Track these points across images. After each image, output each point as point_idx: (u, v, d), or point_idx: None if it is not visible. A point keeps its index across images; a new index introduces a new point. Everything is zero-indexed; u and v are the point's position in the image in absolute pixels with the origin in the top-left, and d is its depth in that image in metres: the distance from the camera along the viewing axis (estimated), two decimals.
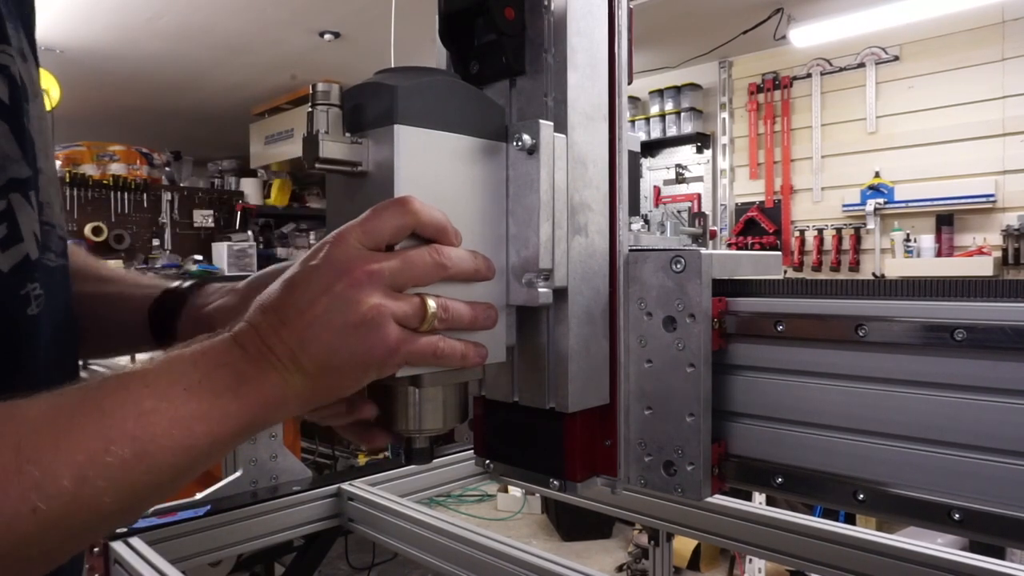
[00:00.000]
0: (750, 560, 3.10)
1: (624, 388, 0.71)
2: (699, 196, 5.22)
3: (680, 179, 5.35)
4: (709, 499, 0.71)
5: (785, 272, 4.68)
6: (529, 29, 0.67)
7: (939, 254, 4.14)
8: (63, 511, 0.39)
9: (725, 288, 0.69)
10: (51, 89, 4.90)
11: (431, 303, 0.53)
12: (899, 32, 4.20)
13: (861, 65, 4.45)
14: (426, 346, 0.53)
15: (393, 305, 0.50)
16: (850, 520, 2.36)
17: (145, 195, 6.12)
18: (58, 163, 5.69)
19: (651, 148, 5.39)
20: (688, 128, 5.20)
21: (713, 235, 4.84)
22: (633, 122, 5.37)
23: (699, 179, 5.27)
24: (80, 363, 0.69)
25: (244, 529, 1.34)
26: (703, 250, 0.66)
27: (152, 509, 1.37)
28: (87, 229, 5.72)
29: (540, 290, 0.62)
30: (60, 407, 0.42)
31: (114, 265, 5.62)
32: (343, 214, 0.59)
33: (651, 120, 5.39)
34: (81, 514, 0.41)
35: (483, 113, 0.62)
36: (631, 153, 0.73)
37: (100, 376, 0.45)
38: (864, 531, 1.14)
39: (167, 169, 6.55)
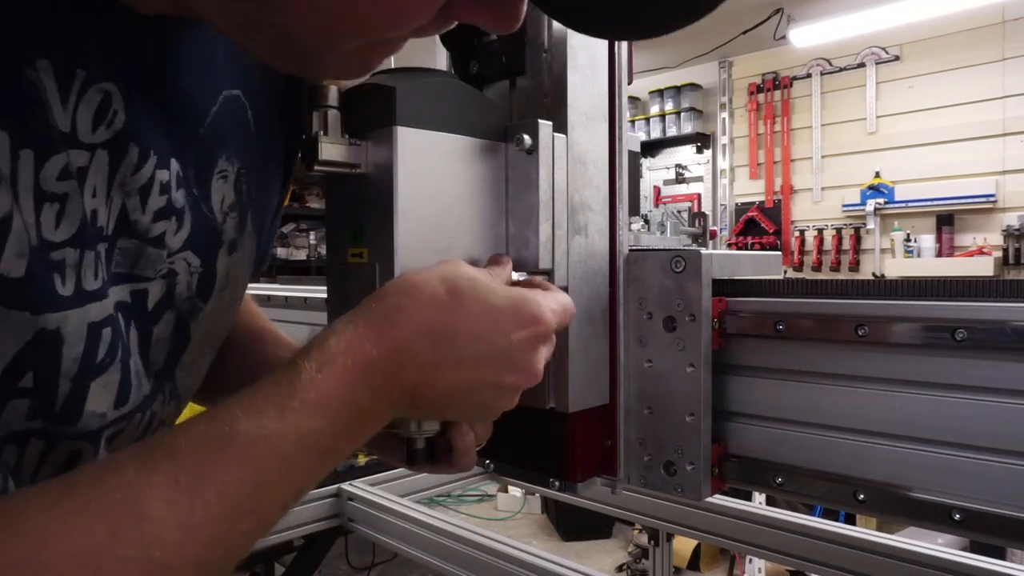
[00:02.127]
0: (750, 560, 3.10)
1: (624, 388, 0.71)
2: (699, 196, 5.22)
3: (680, 179, 5.35)
4: (709, 499, 0.71)
5: (785, 272, 4.68)
6: (529, 29, 0.67)
7: (939, 254, 4.14)
8: None
9: (725, 288, 0.69)
10: None
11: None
12: (899, 32, 4.20)
13: (861, 65, 4.45)
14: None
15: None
16: (850, 520, 2.36)
17: None
18: None
19: (651, 148, 5.39)
20: (688, 128, 5.20)
21: (713, 235, 4.84)
22: (633, 122, 5.37)
23: (699, 179, 5.28)
24: None
25: None
26: (703, 250, 0.66)
27: None
28: None
29: None
30: (184, 495, 0.38)
31: None
32: (343, 215, 0.59)
33: (651, 120, 5.39)
34: None
35: (482, 113, 0.62)
36: (631, 153, 0.73)
37: (209, 428, 0.41)
38: (864, 531, 1.15)
39: None
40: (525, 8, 0.45)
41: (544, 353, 0.52)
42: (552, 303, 0.53)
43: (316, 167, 0.54)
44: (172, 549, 0.36)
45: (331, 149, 0.54)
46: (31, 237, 0.40)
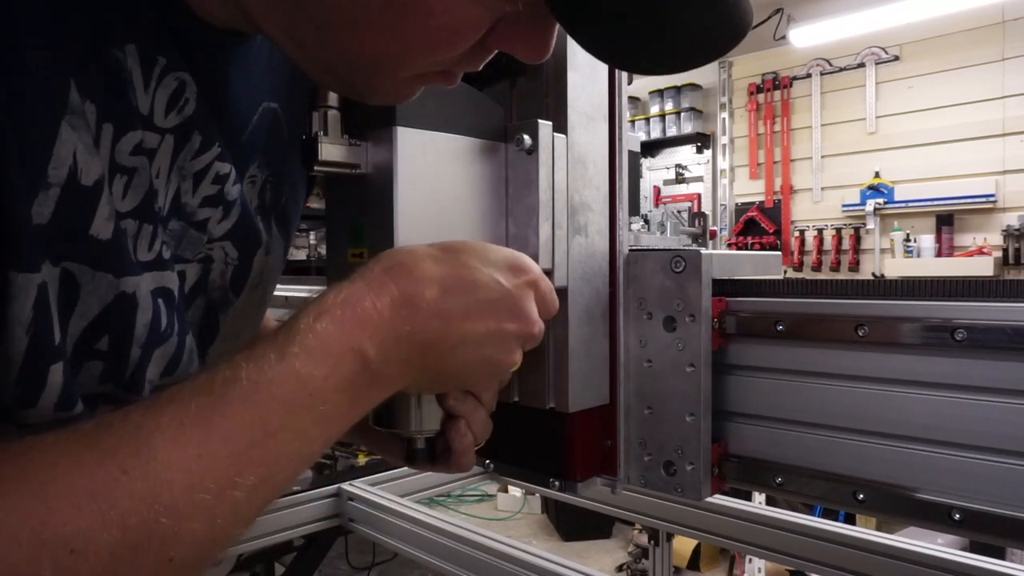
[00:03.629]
0: (750, 560, 3.10)
1: (624, 388, 0.71)
2: (699, 196, 5.22)
3: (680, 179, 5.35)
4: (709, 499, 0.71)
5: (785, 272, 4.68)
6: None
7: (939, 254, 4.13)
8: (195, 555, 0.37)
9: (725, 288, 0.69)
10: None
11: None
12: (899, 32, 4.20)
13: (861, 65, 4.45)
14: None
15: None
16: (850, 520, 2.36)
17: None
18: None
19: (651, 148, 5.39)
20: (688, 128, 5.20)
21: (713, 235, 4.84)
22: (633, 122, 5.37)
23: (699, 179, 5.27)
24: None
25: None
26: (703, 250, 0.66)
27: None
28: None
29: None
30: (189, 437, 0.37)
31: None
32: (343, 216, 0.60)
33: (651, 120, 5.39)
34: (211, 551, 0.39)
35: (482, 113, 0.62)
36: (631, 153, 0.73)
37: (213, 376, 0.40)
38: (864, 531, 1.15)
39: None
40: (555, 40, 0.47)
41: (534, 305, 0.53)
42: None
43: (316, 167, 0.54)
44: (180, 492, 0.36)
45: (331, 149, 0.54)
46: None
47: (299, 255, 7.11)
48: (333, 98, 0.55)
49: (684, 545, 3.47)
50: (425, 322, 0.46)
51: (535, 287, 0.53)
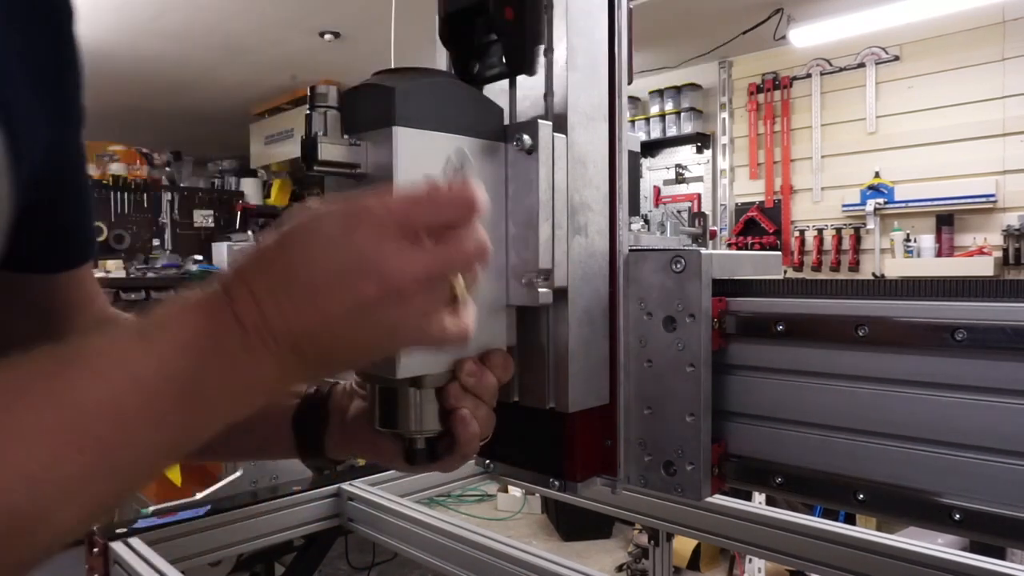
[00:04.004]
0: (750, 560, 3.10)
1: (624, 388, 0.71)
2: (699, 196, 5.22)
3: (680, 179, 5.35)
4: (709, 499, 0.71)
5: (785, 272, 4.68)
6: (529, 29, 0.67)
7: (939, 254, 4.13)
8: (10, 529, 0.33)
9: (725, 288, 0.69)
10: None
11: (460, 290, 0.47)
12: (899, 32, 4.20)
13: (861, 65, 4.45)
14: (437, 332, 0.46)
15: (432, 311, 0.44)
16: (850, 520, 2.36)
17: (145, 195, 6.13)
18: None
19: (651, 148, 5.39)
20: (688, 128, 5.20)
21: (713, 235, 4.84)
22: (633, 122, 5.37)
23: (699, 179, 5.27)
24: None
25: (244, 529, 1.34)
26: (703, 250, 0.66)
27: (152, 508, 1.37)
28: None
29: (540, 290, 0.62)
30: (16, 390, 0.34)
31: (113, 265, 5.53)
32: None
33: (651, 120, 5.38)
34: (36, 532, 0.34)
35: (482, 114, 0.62)
36: (631, 153, 0.73)
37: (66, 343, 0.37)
38: (864, 531, 1.14)
39: (167, 169, 6.55)
40: None
41: (391, 248, 0.42)
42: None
43: (316, 167, 0.54)
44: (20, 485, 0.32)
45: (330, 150, 0.54)
46: None
47: None
48: (333, 98, 0.55)
49: (684, 545, 3.47)
50: (277, 305, 0.41)
51: (379, 226, 0.42)
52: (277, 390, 0.44)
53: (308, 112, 0.55)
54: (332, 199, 0.45)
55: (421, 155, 0.56)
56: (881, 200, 4.33)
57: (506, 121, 0.65)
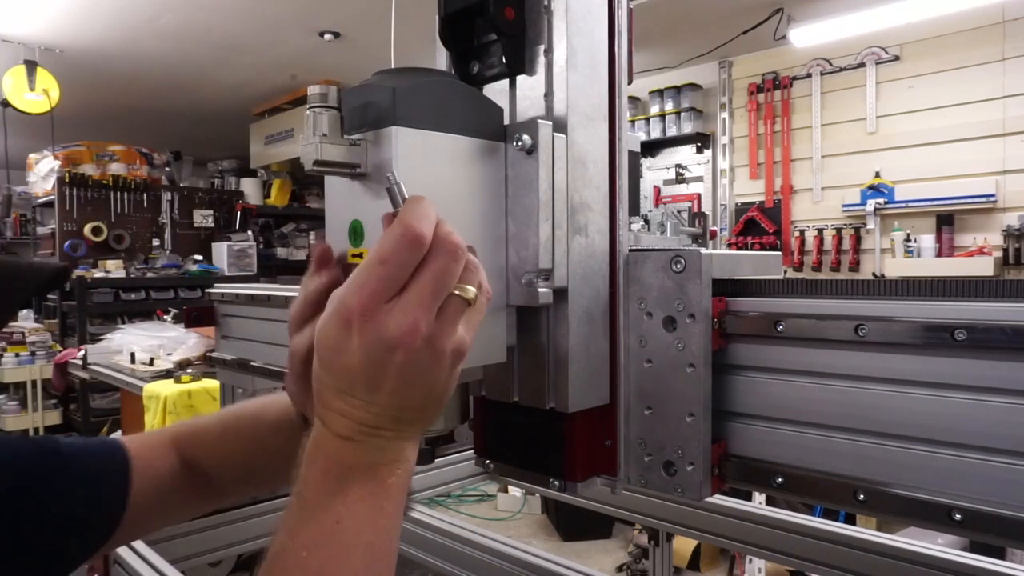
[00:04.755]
0: (750, 560, 3.10)
1: (624, 388, 0.71)
2: (699, 196, 5.22)
3: (680, 179, 5.35)
4: (709, 499, 0.71)
5: (785, 272, 4.68)
6: (529, 29, 0.67)
7: (939, 254, 4.13)
8: None
9: (725, 288, 0.69)
10: (51, 89, 4.90)
11: (472, 293, 0.51)
12: (899, 32, 4.20)
13: (861, 65, 4.45)
14: (470, 339, 0.52)
15: (451, 331, 0.50)
16: (850, 520, 2.36)
17: (145, 195, 6.13)
18: (58, 163, 5.69)
19: (651, 148, 5.39)
20: (688, 128, 5.20)
21: (713, 235, 4.84)
22: (633, 122, 5.37)
23: (699, 179, 5.27)
24: None
25: (244, 529, 1.34)
26: (703, 250, 0.66)
27: None
28: (87, 229, 5.72)
29: (540, 290, 0.62)
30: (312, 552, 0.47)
31: (113, 265, 5.52)
32: (342, 215, 0.59)
33: (651, 120, 5.39)
34: None
35: (481, 113, 0.62)
36: (631, 153, 0.73)
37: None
38: (864, 531, 1.14)
39: (167, 169, 6.55)
40: None
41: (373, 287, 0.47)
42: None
43: (315, 167, 0.54)
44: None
45: (330, 150, 0.54)
46: None
47: (299, 255, 7.12)
48: (332, 98, 0.55)
49: (684, 545, 3.47)
50: (369, 405, 0.49)
51: (375, 314, 0.48)
52: (414, 447, 0.52)
53: (308, 112, 0.55)
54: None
55: (421, 154, 0.56)
56: (881, 200, 4.33)
57: (506, 121, 0.65)
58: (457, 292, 0.49)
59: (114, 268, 5.63)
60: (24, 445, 0.67)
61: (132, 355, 3.15)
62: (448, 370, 0.50)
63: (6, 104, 4.87)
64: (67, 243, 5.66)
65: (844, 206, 4.52)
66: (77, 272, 5.39)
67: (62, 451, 0.68)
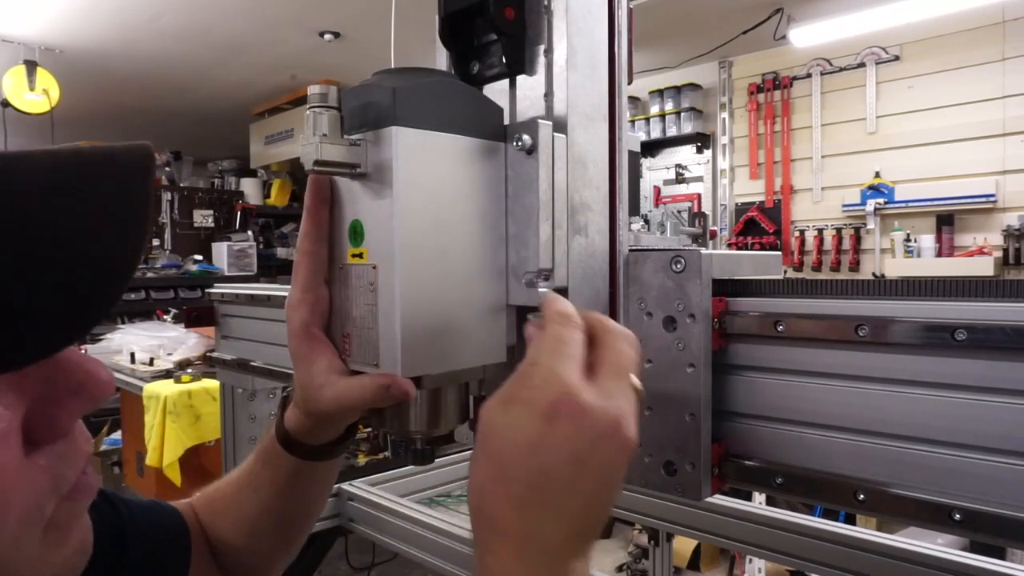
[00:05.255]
0: (750, 560, 3.10)
1: None
2: (699, 196, 5.22)
3: (680, 179, 5.35)
4: (709, 499, 0.71)
5: (785, 272, 4.68)
6: (529, 29, 0.67)
7: (939, 254, 4.13)
8: None
9: (725, 288, 0.69)
10: (51, 89, 4.90)
11: (639, 384, 0.47)
12: (899, 32, 4.20)
13: (861, 65, 4.45)
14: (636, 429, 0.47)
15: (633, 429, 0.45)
16: (850, 520, 2.36)
17: None
18: None
19: (651, 148, 5.39)
20: (688, 128, 5.20)
21: (713, 235, 4.84)
22: (633, 122, 5.37)
23: (699, 179, 5.27)
24: None
25: None
26: (703, 250, 0.66)
27: None
28: None
29: (540, 290, 0.62)
30: None
31: None
32: (342, 215, 0.59)
33: (651, 120, 5.39)
34: None
35: (481, 113, 0.62)
36: (631, 153, 0.73)
37: None
38: (864, 531, 1.14)
39: (167, 169, 6.56)
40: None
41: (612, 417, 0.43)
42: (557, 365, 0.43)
43: (315, 167, 0.54)
44: None
45: (330, 150, 0.54)
46: None
47: None
48: (332, 98, 0.55)
49: (684, 545, 3.47)
50: (556, 522, 0.42)
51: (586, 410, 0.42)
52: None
53: (308, 112, 0.55)
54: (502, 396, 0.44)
55: (421, 154, 0.56)
56: (881, 200, 4.33)
57: (506, 121, 0.65)
58: (631, 381, 0.45)
59: None
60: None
61: (132, 355, 3.15)
62: (621, 469, 0.43)
63: (6, 104, 4.87)
64: None
65: (844, 206, 4.52)
66: None
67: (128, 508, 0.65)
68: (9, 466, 0.35)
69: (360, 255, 0.58)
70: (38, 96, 4.88)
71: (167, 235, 6.28)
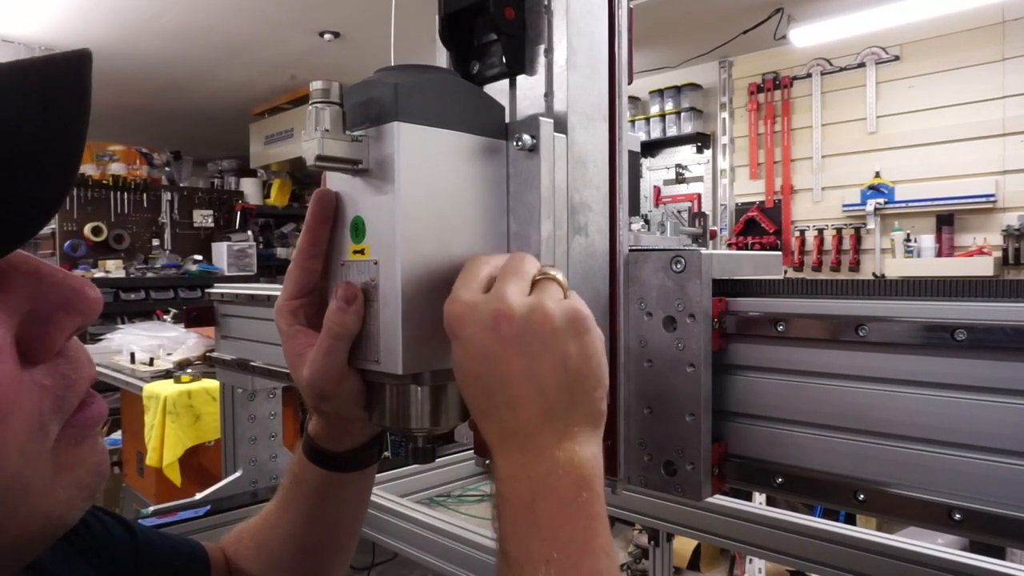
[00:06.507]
0: (750, 560, 3.10)
1: (624, 388, 0.71)
2: (699, 196, 5.22)
3: (680, 179, 5.35)
4: (709, 499, 0.71)
5: (785, 272, 4.68)
6: (529, 29, 0.67)
7: (939, 254, 4.13)
8: None
9: (725, 288, 0.69)
10: None
11: (558, 275, 0.54)
12: (899, 32, 4.20)
13: (861, 65, 4.45)
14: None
15: (553, 298, 0.52)
16: (850, 520, 2.36)
17: (145, 195, 6.13)
18: None
19: (651, 148, 5.39)
20: (688, 128, 5.20)
21: (713, 235, 4.84)
22: (633, 122, 5.37)
23: (699, 179, 5.27)
24: None
25: None
26: (703, 250, 0.66)
27: (152, 509, 1.37)
28: (87, 229, 5.72)
29: None
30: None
31: (113, 265, 5.50)
32: (343, 213, 0.59)
33: (651, 120, 5.39)
34: None
35: (484, 111, 0.62)
36: (631, 153, 0.73)
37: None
38: (864, 531, 1.14)
39: (167, 169, 6.55)
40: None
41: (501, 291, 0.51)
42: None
43: (317, 163, 0.54)
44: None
45: (332, 145, 0.54)
46: None
47: None
48: (334, 93, 0.55)
49: (684, 545, 3.47)
50: (571, 410, 0.53)
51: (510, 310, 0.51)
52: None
53: (310, 107, 0.55)
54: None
55: (423, 150, 0.56)
56: (881, 200, 4.33)
57: (506, 120, 0.65)
58: (541, 276, 0.53)
59: (114, 268, 5.63)
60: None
61: (132, 355, 3.15)
62: (572, 337, 0.51)
63: None
64: (67, 243, 5.66)
65: (844, 206, 4.52)
66: (78, 271, 5.39)
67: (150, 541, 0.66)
68: (4, 378, 0.35)
69: (361, 251, 0.58)
70: None
71: (167, 235, 6.28)
